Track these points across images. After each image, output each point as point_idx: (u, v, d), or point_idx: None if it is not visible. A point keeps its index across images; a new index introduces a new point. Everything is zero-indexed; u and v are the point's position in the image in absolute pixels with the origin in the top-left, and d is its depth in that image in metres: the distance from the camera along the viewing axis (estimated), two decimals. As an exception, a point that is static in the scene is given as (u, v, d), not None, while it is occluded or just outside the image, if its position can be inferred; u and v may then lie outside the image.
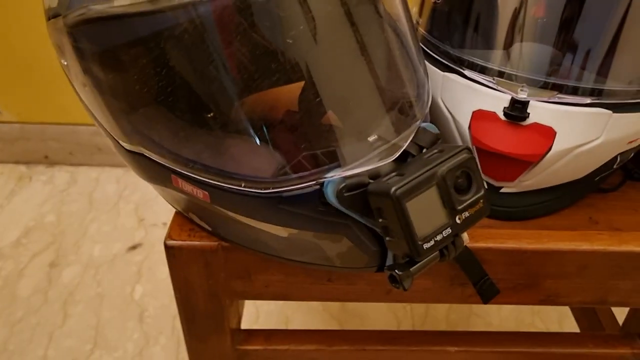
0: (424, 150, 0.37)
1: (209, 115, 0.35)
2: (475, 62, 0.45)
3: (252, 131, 0.35)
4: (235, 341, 0.50)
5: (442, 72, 0.47)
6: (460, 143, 0.46)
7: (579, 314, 0.71)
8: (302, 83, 0.35)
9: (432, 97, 0.47)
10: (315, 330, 0.53)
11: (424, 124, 0.38)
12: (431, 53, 0.48)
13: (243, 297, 0.47)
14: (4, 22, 1.17)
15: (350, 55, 0.37)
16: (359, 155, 0.35)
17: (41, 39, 1.17)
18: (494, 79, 0.44)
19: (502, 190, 0.47)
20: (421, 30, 0.50)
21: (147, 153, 0.38)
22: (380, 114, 0.38)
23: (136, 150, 0.39)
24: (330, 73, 0.36)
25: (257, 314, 0.97)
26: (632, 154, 0.49)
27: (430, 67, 0.47)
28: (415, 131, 0.37)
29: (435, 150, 0.35)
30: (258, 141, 0.36)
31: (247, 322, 0.94)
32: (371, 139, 0.36)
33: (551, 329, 0.89)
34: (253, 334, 0.51)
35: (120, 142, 0.40)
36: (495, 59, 0.44)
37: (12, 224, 1.18)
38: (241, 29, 0.33)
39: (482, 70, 0.44)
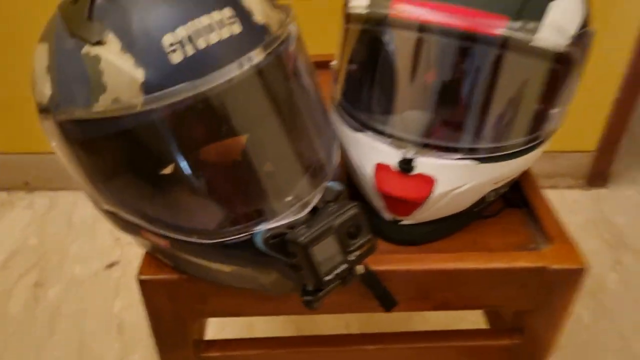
0: (329, 204, 0.49)
1: (167, 186, 0.48)
2: (375, 127, 0.57)
3: (200, 196, 0.48)
4: (198, 350, 0.63)
5: (352, 133, 0.59)
6: (368, 188, 0.59)
7: (487, 312, 0.85)
8: (237, 158, 0.48)
9: (346, 152, 0.60)
10: (263, 338, 0.65)
11: (330, 183, 0.51)
12: (344, 117, 0.61)
13: (202, 317, 0.60)
14: None
15: (274, 130, 0.50)
16: (279, 212, 0.48)
17: (21, 77, 1.27)
18: (389, 140, 0.56)
19: (401, 223, 0.60)
20: (337, 97, 0.63)
21: (120, 213, 0.50)
22: (297, 178, 0.50)
23: (112, 210, 0.51)
24: (258, 146, 0.48)
25: (223, 324, 1.08)
26: (505, 189, 0.62)
27: (344, 129, 0.60)
28: (324, 189, 0.50)
29: (335, 206, 0.48)
30: (205, 203, 0.48)
31: (215, 331, 1.05)
32: (288, 199, 0.49)
33: (477, 325, 1.02)
34: (212, 344, 0.64)
35: (97, 202, 0.52)
36: (390, 124, 0.57)
37: None
38: (184, 125, 0.46)
39: (381, 132, 0.57)
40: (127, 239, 1.37)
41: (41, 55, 0.48)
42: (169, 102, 0.42)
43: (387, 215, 0.60)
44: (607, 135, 1.34)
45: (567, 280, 0.58)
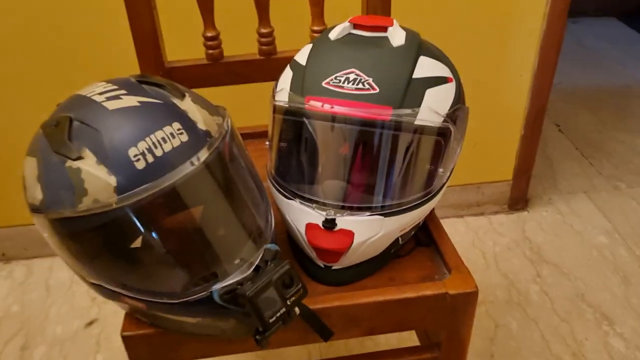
0: (268, 262, 0.64)
1: (139, 262, 0.61)
2: (303, 195, 0.72)
3: (165, 267, 0.62)
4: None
5: (286, 199, 0.74)
6: (302, 241, 0.74)
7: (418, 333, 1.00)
8: (193, 235, 0.62)
9: (283, 215, 0.75)
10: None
11: (268, 245, 0.65)
12: (277, 187, 0.76)
13: (177, 360, 0.73)
14: None
15: (221, 208, 0.64)
16: (229, 272, 0.62)
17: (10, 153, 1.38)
18: (314, 205, 0.72)
19: (333, 268, 0.75)
20: (271, 171, 0.77)
21: (103, 284, 0.64)
22: (243, 243, 0.65)
23: (96, 282, 0.64)
24: (210, 222, 0.63)
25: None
26: (413, 232, 0.78)
27: (279, 196, 0.75)
28: (263, 251, 0.65)
29: (272, 264, 0.63)
30: (169, 272, 0.62)
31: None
32: (236, 261, 0.63)
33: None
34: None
35: (85, 278, 0.65)
36: (314, 193, 0.72)
37: None
38: (151, 214, 0.60)
39: (308, 200, 0.72)
40: (102, 298, 1.48)
41: (31, 167, 0.61)
42: (137, 199, 0.56)
43: (320, 263, 0.75)
44: (518, 166, 1.54)
45: (465, 301, 0.73)
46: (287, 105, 0.72)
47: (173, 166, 0.58)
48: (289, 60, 0.78)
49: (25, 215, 1.56)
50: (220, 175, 0.64)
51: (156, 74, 0.93)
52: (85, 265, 0.63)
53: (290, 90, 0.73)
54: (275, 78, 0.79)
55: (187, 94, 0.65)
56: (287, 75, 0.75)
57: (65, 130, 0.59)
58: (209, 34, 0.93)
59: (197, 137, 0.61)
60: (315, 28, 0.96)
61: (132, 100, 0.61)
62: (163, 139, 0.58)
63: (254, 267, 0.63)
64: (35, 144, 0.62)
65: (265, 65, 0.97)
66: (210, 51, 0.94)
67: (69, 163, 0.57)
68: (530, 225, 1.58)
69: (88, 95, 0.62)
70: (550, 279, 1.40)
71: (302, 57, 0.75)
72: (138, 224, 0.59)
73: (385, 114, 0.67)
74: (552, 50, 1.38)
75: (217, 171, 0.63)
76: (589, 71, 2.45)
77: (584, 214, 1.62)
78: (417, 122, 0.68)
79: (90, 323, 1.34)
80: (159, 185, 0.57)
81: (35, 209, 0.62)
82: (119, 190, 0.56)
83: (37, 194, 0.60)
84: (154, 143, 0.58)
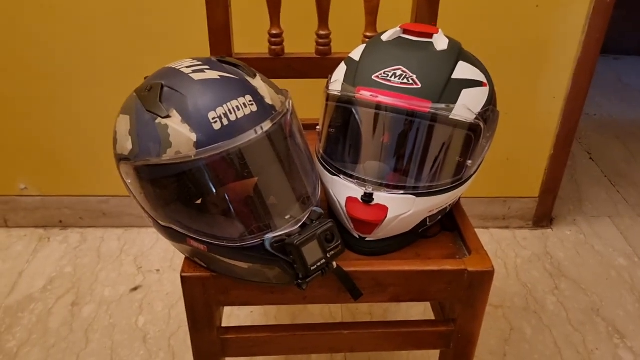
0: (314, 221, 0.74)
1: (207, 209, 0.73)
2: (346, 172, 0.83)
3: (228, 216, 0.73)
4: (219, 333, 0.86)
5: (330, 175, 0.85)
6: (342, 213, 0.84)
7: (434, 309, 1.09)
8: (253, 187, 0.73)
9: (326, 189, 0.86)
10: (267, 325, 0.89)
11: (314, 208, 0.76)
12: (325, 164, 0.86)
13: (224, 305, 0.84)
14: (33, 116, 1.52)
15: (277, 172, 0.76)
16: (280, 226, 0.73)
17: (62, 129, 1.53)
18: (355, 181, 0.82)
19: (366, 239, 0.85)
20: (320, 151, 0.88)
21: (173, 227, 0.75)
22: (293, 204, 0.76)
23: (167, 225, 0.76)
24: (267, 183, 0.74)
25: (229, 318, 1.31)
26: (440, 216, 0.88)
27: (325, 173, 0.86)
28: (310, 212, 0.75)
29: (317, 222, 0.73)
30: (231, 221, 0.73)
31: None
32: (287, 217, 0.74)
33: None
34: (229, 329, 0.87)
35: (158, 220, 0.77)
36: (356, 171, 0.83)
37: (38, 275, 1.50)
38: (220, 168, 0.71)
39: (350, 176, 0.83)
40: (147, 267, 1.62)
41: (124, 123, 0.73)
42: (212, 154, 0.68)
43: (355, 234, 0.85)
44: (546, 184, 1.62)
45: (482, 279, 0.82)
46: (339, 94, 0.83)
47: (243, 130, 0.69)
48: (342, 60, 0.89)
49: (84, 186, 1.73)
50: (279, 144, 0.75)
51: (224, 62, 1.06)
52: (160, 208, 0.74)
53: (344, 81, 0.84)
54: (328, 75, 0.90)
55: (257, 74, 0.77)
56: (341, 69, 0.87)
57: (157, 94, 0.71)
58: (274, 32, 1.06)
59: (264, 109, 0.72)
60: (368, 34, 1.07)
61: (214, 74, 0.73)
62: (237, 107, 0.70)
63: (301, 223, 0.74)
64: (129, 105, 0.74)
65: (320, 64, 1.09)
66: (274, 47, 1.07)
67: (159, 120, 0.69)
68: (552, 242, 1.65)
69: (177, 68, 0.75)
70: (567, 292, 1.47)
71: (356, 54, 0.86)
72: (210, 176, 0.71)
73: (425, 106, 0.77)
74: (585, 77, 1.47)
75: (277, 140, 0.74)
76: (625, 106, 2.51)
77: (606, 237, 1.68)
78: (451, 117, 0.78)
79: (135, 289, 1.46)
80: (231, 145, 0.68)
81: (123, 158, 0.73)
82: (198, 145, 0.67)
83: (128, 145, 0.72)
84: (229, 109, 0.69)
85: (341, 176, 0.83)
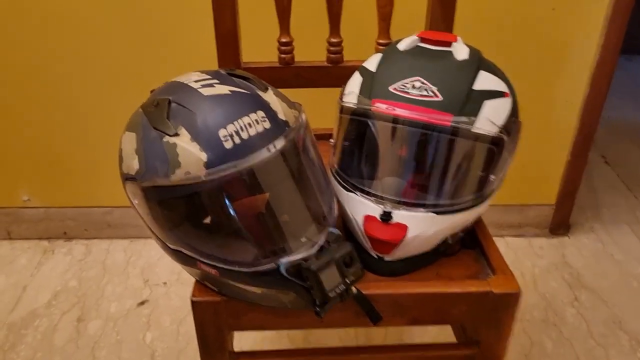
0: (330, 243, 0.70)
1: (218, 231, 0.69)
2: (363, 189, 0.79)
3: (240, 238, 0.69)
4: (231, 358, 0.82)
5: (346, 192, 0.81)
6: (359, 232, 0.80)
7: (455, 331, 1.04)
8: (267, 211, 0.69)
9: (343, 206, 0.82)
10: (280, 350, 0.85)
11: (331, 229, 0.72)
12: (340, 179, 0.82)
13: (237, 329, 0.80)
14: (34, 125, 1.48)
15: (292, 192, 0.71)
16: (296, 249, 0.69)
17: (65, 140, 1.50)
18: (373, 199, 0.78)
19: (385, 259, 0.81)
20: (334, 166, 0.84)
21: (182, 250, 0.71)
22: (308, 225, 0.72)
23: (176, 248, 0.72)
24: (281, 203, 0.70)
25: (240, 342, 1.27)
26: (461, 234, 0.84)
27: (340, 189, 0.82)
28: (327, 233, 0.71)
29: (335, 245, 0.69)
30: (244, 243, 0.69)
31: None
32: (303, 240, 0.70)
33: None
34: (242, 355, 0.83)
35: (166, 243, 0.73)
36: (373, 187, 0.79)
37: (43, 289, 1.47)
38: (232, 189, 0.67)
39: (367, 193, 0.79)
40: (154, 280, 1.58)
41: (130, 140, 0.70)
42: (223, 174, 0.64)
43: (373, 253, 0.81)
44: (563, 191, 1.57)
45: (508, 301, 0.78)
46: (355, 107, 0.79)
47: (255, 149, 0.65)
48: (354, 68, 0.85)
49: (88, 197, 1.69)
50: (293, 162, 0.71)
51: (232, 72, 1.02)
52: (168, 231, 0.71)
53: (360, 93, 0.80)
54: (340, 84, 0.86)
55: (269, 88, 0.73)
56: (356, 79, 0.83)
57: (164, 110, 0.67)
58: (283, 40, 1.02)
59: (277, 126, 0.68)
60: (381, 41, 1.03)
61: (224, 89, 0.69)
62: (249, 124, 0.66)
63: (318, 246, 0.69)
64: (134, 121, 0.70)
65: (332, 72, 1.05)
66: (283, 55, 1.03)
67: (166, 138, 0.65)
68: (570, 250, 1.61)
69: (185, 82, 0.71)
70: (587, 303, 1.42)
71: (371, 65, 0.82)
72: (221, 198, 0.67)
73: (446, 119, 0.73)
74: (603, 81, 1.42)
75: (291, 158, 0.70)
76: (639, 107, 2.46)
77: (625, 245, 1.64)
78: (474, 130, 0.74)
79: (142, 303, 1.42)
80: (243, 165, 0.64)
81: (129, 178, 0.70)
82: (208, 165, 0.64)
83: (134, 165, 0.68)
84: (241, 127, 0.65)
85: (358, 193, 0.79)
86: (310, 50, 1.04)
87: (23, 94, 1.44)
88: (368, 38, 1.06)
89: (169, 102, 0.68)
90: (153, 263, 1.55)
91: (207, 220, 0.69)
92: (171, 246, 0.72)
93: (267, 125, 0.67)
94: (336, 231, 0.72)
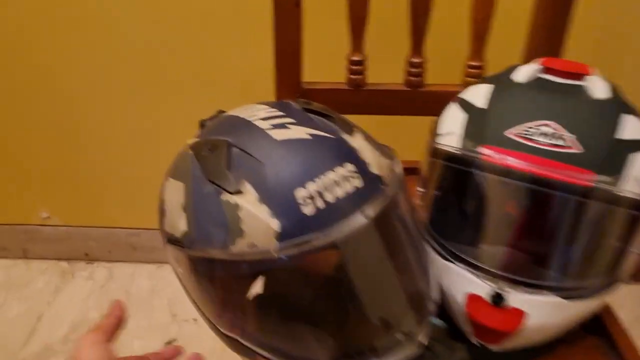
0: (436, 343, 0.53)
1: (287, 321, 0.52)
2: (466, 259, 0.62)
3: (318, 334, 0.52)
4: None
5: (442, 261, 0.64)
6: (458, 313, 0.63)
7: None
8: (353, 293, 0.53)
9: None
10: None
11: (435, 321, 0.55)
12: (433, 244, 0.65)
13: None
14: (57, 141, 1.36)
15: (387, 273, 0.55)
16: (389, 347, 0.52)
17: (90, 155, 1.35)
18: (480, 274, 0.61)
19: (491, 349, 0.64)
20: (426, 224, 0.67)
21: (239, 339, 0.55)
22: (404, 314, 0.55)
23: (230, 334, 0.56)
24: (373, 287, 0.53)
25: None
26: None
27: (434, 255, 0.65)
28: (428, 325, 0.54)
29: (442, 346, 0.52)
30: (320, 337, 0.53)
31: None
32: (398, 336, 0.53)
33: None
34: None
35: (218, 327, 0.57)
36: (480, 258, 0.61)
37: (60, 320, 1.34)
38: (310, 271, 0.51)
39: (473, 266, 0.61)
40: (184, 315, 1.42)
41: (176, 192, 0.53)
42: (301, 250, 0.47)
43: (475, 341, 0.64)
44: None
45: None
46: (459, 153, 0.62)
47: (344, 216, 0.49)
48: (437, 95, 0.69)
49: (113, 217, 1.53)
50: (389, 233, 0.54)
51: (292, 93, 0.85)
52: (222, 314, 0.55)
53: (465, 136, 0.62)
54: (420, 112, 0.70)
55: (355, 129, 0.56)
56: (457, 117, 0.65)
57: (223, 157, 0.51)
58: (355, 58, 0.85)
59: (371, 183, 0.52)
60: (473, 63, 0.85)
61: (301, 132, 0.52)
62: (336, 182, 0.49)
63: (418, 345, 0.53)
64: (183, 167, 0.54)
65: (411, 98, 0.87)
66: (354, 76, 0.86)
67: (226, 197, 0.49)
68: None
69: (249, 120, 0.54)
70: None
71: (477, 99, 0.65)
72: (295, 279, 0.51)
73: (588, 179, 0.56)
74: None
75: (387, 227, 0.54)
76: None
77: None
78: (619, 192, 0.56)
79: (169, 342, 1.27)
80: (328, 238, 0.48)
81: (174, 241, 0.54)
82: (282, 236, 0.48)
83: (180, 225, 0.52)
84: (325, 186, 0.49)
85: (459, 264, 0.62)
86: (384, 70, 0.87)
87: (44, 105, 1.31)
88: (455, 59, 0.88)
89: (229, 146, 0.51)
90: (182, 294, 1.39)
91: (275, 306, 0.52)
92: (224, 331, 0.56)
93: (358, 182, 0.50)
94: (441, 323, 0.55)
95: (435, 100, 0.81)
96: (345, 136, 0.54)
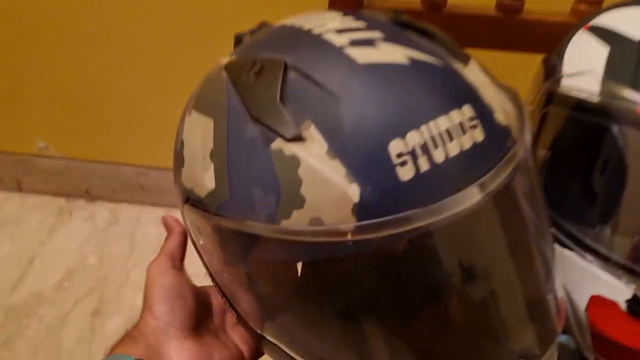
0: None
1: (351, 331, 0.36)
2: (596, 248, 0.45)
3: (393, 353, 0.36)
4: None
5: (559, 247, 0.47)
6: (573, 321, 0.47)
7: None
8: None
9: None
10: None
11: (563, 339, 0.39)
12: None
13: None
14: (58, 57, 1.19)
15: (508, 272, 0.38)
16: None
17: (93, 79, 1.18)
18: (616, 271, 0.44)
19: (609, 367, 0.48)
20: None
21: (280, 345, 0.39)
22: (526, 327, 0.38)
23: (267, 337, 0.39)
24: (488, 297, 0.36)
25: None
26: None
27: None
28: (556, 347, 0.38)
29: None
30: (399, 354, 0.36)
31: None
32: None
33: None
34: None
35: (251, 325, 0.40)
36: (620, 249, 0.45)
37: (54, 264, 1.21)
38: (403, 261, 0.34)
39: (602, 257, 0.45)
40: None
41: (201, 132, 0.36)
42: (393, 232, 0.30)
43: (590, 355, 0.48)
44: None
45: None
46: (596, 100, 0.44)
47: (459, 185, 0.32)
48: (540, 25, 0.56)
49: (119, 152, 1.37)
50: (515, 213, 0.38)
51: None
52: (261, 310, 0.38)
53: (609, 76, 0.44)
54: (514, 48, 0.57)
55: (470, 57, 0.37)
56: (593, 50, 0.47)
57: (276, 86, 0.33)
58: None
59: (495, 139, 0.34)
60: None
61: (396, 53, 0.34)
62: (448, 132, 0.32)
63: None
64: (213, 97, 0.37)
65: (503, 27, 0.67)
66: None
67: (279, 144, 0.32)
68: None
69: (316, 32, 0.36)
70: None
71: (630, 27, 0.46)
72: (378, 274, 0.34)
73: None
74: None
75: (512, 205, 0.37)
76: None
77: None
78: None
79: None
80: (435, 215, 0.31)
81: (195, 201, 0.37)
82: (363, 210, 0.31)
83: (206, 180, 0.35)
84: (433, 138, 0.31)
85: (579, 253, 0.45)
86: None
87: (46, 26, 1.14)
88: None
89: (285, 69, 0.34)
90: (191, 245, 1.24)
91: (340, 307, 0.36)
92: (261, 332, 0.40)
93: (480, 135, 0.33)
94: (570, 343, 0.39)
95: (538, 33, 0.63)
96: (458, 66, 0.35)
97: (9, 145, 1.33)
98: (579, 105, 0.46)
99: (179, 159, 0.38)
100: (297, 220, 0.31)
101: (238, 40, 0.41)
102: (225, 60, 0.38)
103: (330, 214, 0.31)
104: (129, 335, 0.41)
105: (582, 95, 0.46)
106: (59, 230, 1.27)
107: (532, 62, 0.56)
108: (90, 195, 1.36)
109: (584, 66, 0.47)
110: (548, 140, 0.50)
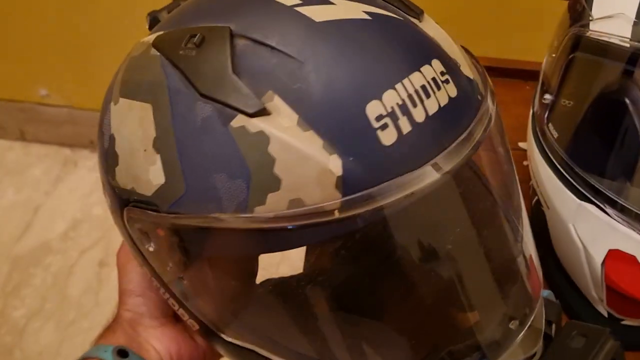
0: (552, 324, 0.36)
1: (340, 322, 0.35)
2: (619, 201, 0.44)
3: (390, 339, 0.36)
4: None
5: (578, 200, 0.45)
6: (588, 275, 0.46)
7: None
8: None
9: (563, 223, 0.47)
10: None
11: (545, 293, 0.37)
12: (567, 176, 0.47)
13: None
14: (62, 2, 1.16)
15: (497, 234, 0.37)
16: (502, 345, 0.34)
17: (98, 25, 1.15)
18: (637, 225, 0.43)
19: (623, 322, 0.47)
20: (555, 145, 0.48)
21: (255, 348, 0.35)
22: (512, 293, 0.37)
23: (237, 343, 0.36)
24: (472, 260, 0.36)
25: None
26: None
27: (565, 192, 0.46)
28: (542, 305, 0.36)
29: (575, 332, 0.35)
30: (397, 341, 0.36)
31: None
32: (512, 325, 0.35)
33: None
34: None
35: (215, 330, 0.36)
36: (633, 198, 0.43)
37: (60, 214, 1.21)
38: (393, 237, 0.32)
39: (627, 211, 0.43)
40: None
41: (136, 119, 0.31)
42: (382, 204, 0.28)
43: (604, 310, 0.47)
44: None
45: None
46: (629, 44, 0.42)
47: (443, 144, 0.30)
48: None
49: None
50: (491, 171, 0.38)
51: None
52: (227, 312, 0.37)
53: (638, 19, 0.42)
54: None
55: (423, 12, 0.35)
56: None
57: (225, 54, 0.29)
58: None
59: (467, 92, 0.32)
60: None
61: (354, 9, 0.31)
62: (424, 89, 0.30)
63: (541, 336, 0.35)
64: (144, 79, 0.32)
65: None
66: None
67: (240, 121, 0.29)
68: None
69: None
70: None
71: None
72: (366, 254, 0.34)
73: None
74: None
75: (489, 162, 0.37)
76: None
77: None
78: None
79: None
80: (430, 176, 0.29)
81: (138, 202, 0.32)
82: (347, 184, 0.28)
83: (152, 175, 0.31)
84: (410, 96, 0.29)
85: (604, 206, 0.44)
86: None
87: None
88: None
89: (231, 36, 0.30)
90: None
91: (329, 300, 0.36)
92: (228, 338, 0.36)
93: (453, 91, 0.31)
94: (552, 297, 0.38)
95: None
96: (415, 21, 0.33)
97: (9, 93, 1.31)
98: (608, 51, 0.44)
99: (109, 158, 0.33)
100: (273, 205, 0.28)
101: (154, 19, 0.36)
102: (148, 38, 0.33)
103: (312, 193, 0.28)
104: (109, 328, 0.38)
105: (612, 41, 0.44)
106: (63, 180, 1.27)
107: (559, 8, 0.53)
108: (95, 146, 1.34)
109: (614, 10, 0.45)
110: (572, 89, 0.48)
